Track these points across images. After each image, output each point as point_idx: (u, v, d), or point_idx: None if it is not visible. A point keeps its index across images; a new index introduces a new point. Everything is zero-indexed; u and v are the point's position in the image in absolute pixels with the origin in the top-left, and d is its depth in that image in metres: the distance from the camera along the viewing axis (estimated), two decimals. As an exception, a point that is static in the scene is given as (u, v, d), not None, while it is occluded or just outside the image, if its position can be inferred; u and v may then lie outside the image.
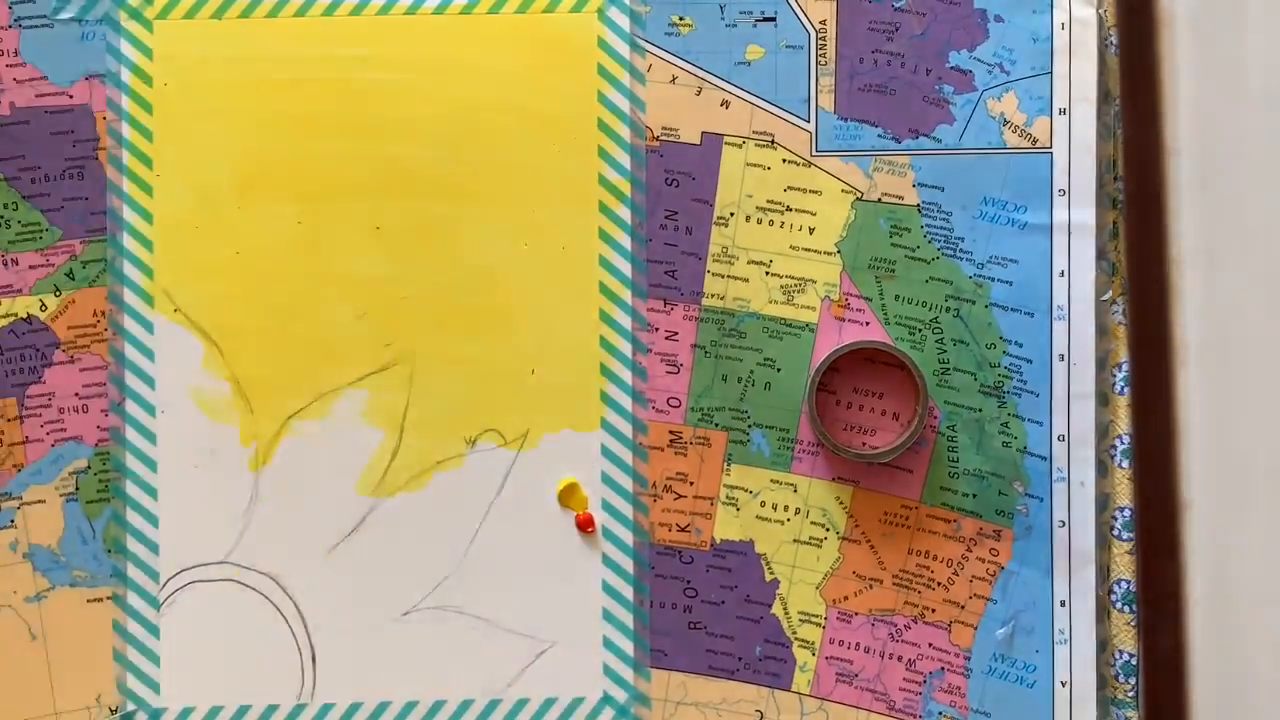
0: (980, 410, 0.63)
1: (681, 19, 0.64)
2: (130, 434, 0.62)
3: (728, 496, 0.63)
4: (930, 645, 0.63)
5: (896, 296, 0.63)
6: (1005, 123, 0.63)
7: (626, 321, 0.63)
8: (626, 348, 0.63)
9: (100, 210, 0.62)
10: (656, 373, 0.63)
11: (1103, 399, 0.63)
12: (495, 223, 0.63)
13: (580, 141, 0.63)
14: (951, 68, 0.63)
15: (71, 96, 0.62)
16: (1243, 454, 0.58)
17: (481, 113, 0.63)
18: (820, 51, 0.63)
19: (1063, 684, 0.62)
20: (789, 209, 0.63)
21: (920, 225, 0.63)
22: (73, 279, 0.62)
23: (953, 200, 0.63)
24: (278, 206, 0.63)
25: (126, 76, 0.63)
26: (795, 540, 0.63)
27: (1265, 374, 0.58)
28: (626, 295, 0.63)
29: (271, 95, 0.63)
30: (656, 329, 0.63)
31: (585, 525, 0.62)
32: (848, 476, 0.63)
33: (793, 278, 0.63)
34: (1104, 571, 0.63)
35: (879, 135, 0.63)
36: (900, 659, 0.63)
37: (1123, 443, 0.63)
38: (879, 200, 0.63)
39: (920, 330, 0.63)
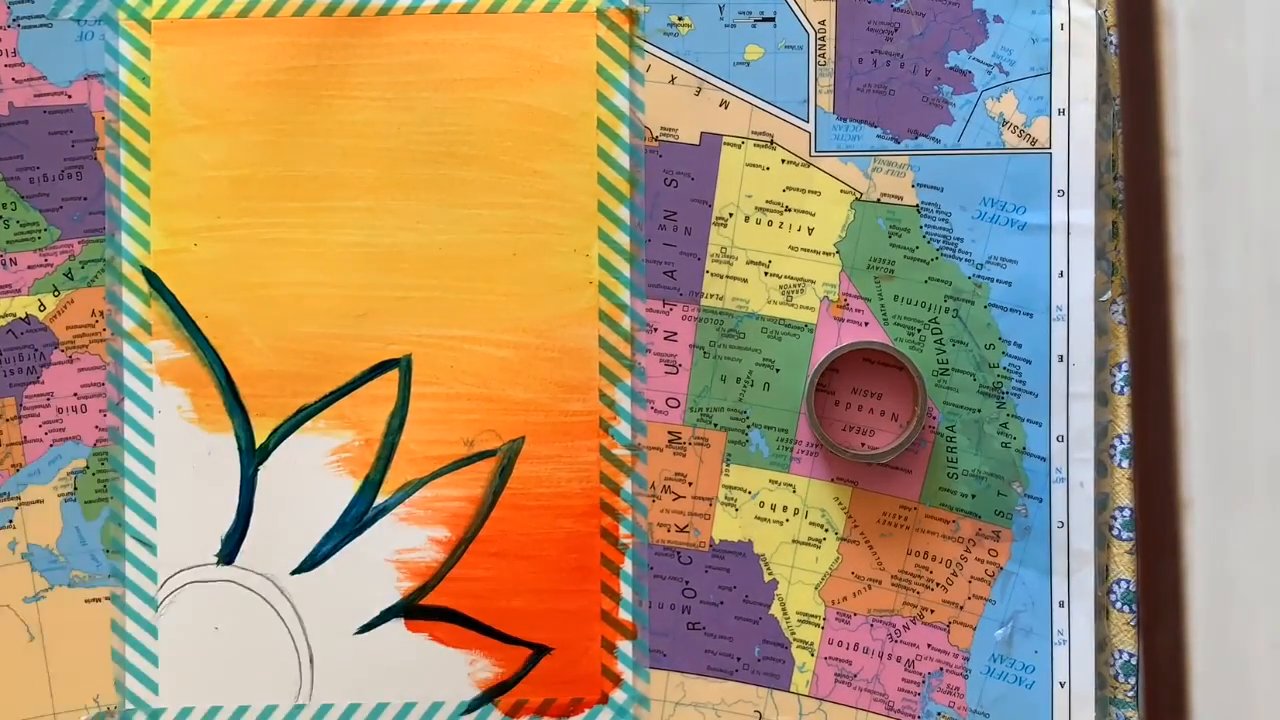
0: (979, 411, 0.63)
1: (680, 19, 0.63)
2: (128, 434, 0.62)
3: (726, 497, 0.63)
4: (929, 646, 0.63)
5: (895, 297, 0.63)
6: (1004, 123, 0.63)
7: (625, 322, 0.63)
8: (625, 348, 0.63)
9: (98, 210, 0.63)
10: (655, 373, 0.63)
11: (1102, 399, 0.63)
12: (494, 223, 0.63)
13: (579, 142, 0.63)
14: (951, 68, 0.63)
15: (70, 96, 0.62)
16: (1243, 454, 0.58)
17: (480, 113, 0.63)
18: (819, 52, 0.63)
19: (1061, 684, 0.62)
20: (788, 209, 0.63)
21: (919, 225, 0.63)
22: (71, 279, 0.62)
23: (952, 201, 0.63)
24: (276, 206, 0.63)
25: (124, 76, 0.63)
26: (794, 541, 0.63)
27: (1266, 373, 0.58)
28: (625, 295, 0.63)
29: (269, 95, 0.63)
30: (655, 329, 0.63)
31: None
32: (846, 477, 0.63)
33: (792, 278, 0.63)
34: (1103, 571, 0.63)
35: (878, 135, 0.63)
36: (899, 659, 0.63)
37: (1122, 443, 0.63)
38: (878, 200, 0.63)
39: (919, 331, 0.63)
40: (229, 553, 0.62)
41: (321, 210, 0.63)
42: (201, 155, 0.63)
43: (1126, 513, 0.62)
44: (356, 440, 0.63)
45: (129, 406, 0.62)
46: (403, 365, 0.63)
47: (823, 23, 0.63)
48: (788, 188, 0.63)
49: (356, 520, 0.63)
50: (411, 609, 0.62)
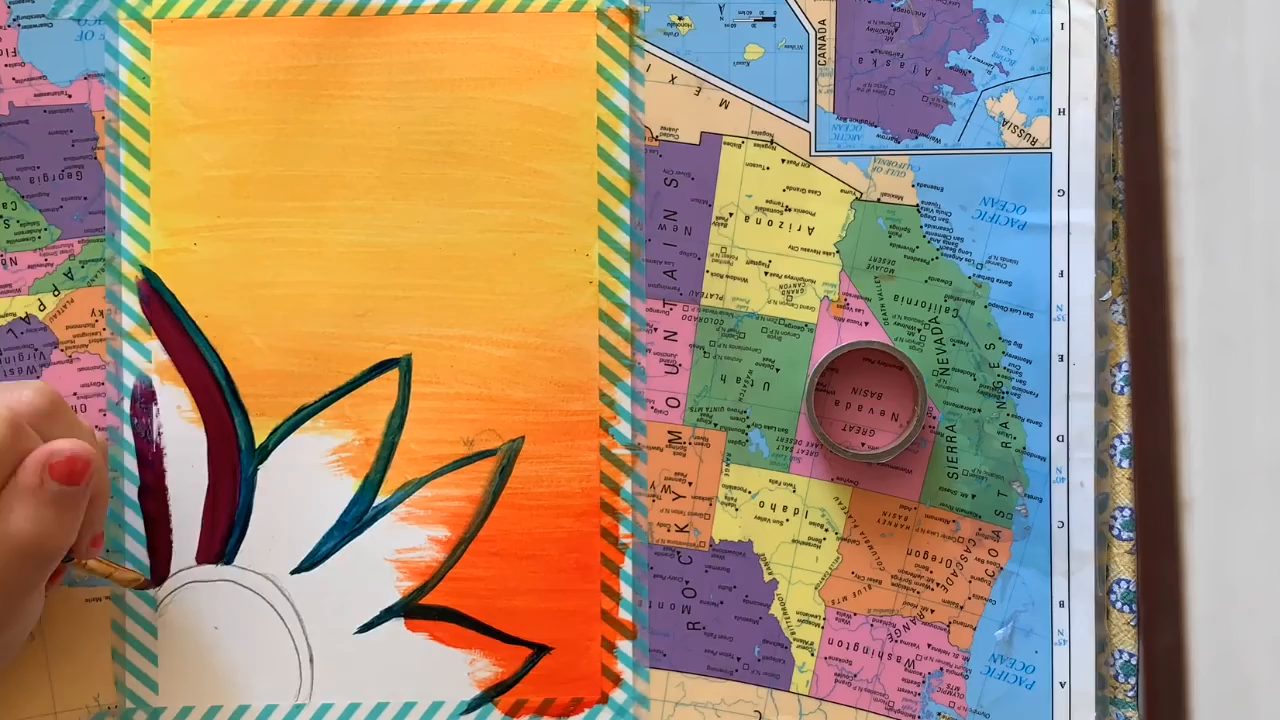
0: (979, 411, 0.63)
1: (680, 19, 0.63)
2: (128, 434, 0.62)
3: (726, 497, 0.63)
4: (929, 646, 0.63)
5: (895, 296, 0.63)
6: (1004, 123, 0.63)
7: (625, 321, 0.63)
8: (625, 348, 0.63)
9: (99, 210, 0.63)
10: (655, 373, 0.63)
11: (1102, 399, 0.63)
12: (494, 223, 0.63)
13: (579, 141, 0.63)
14: (951, 68, 0.63)
15: (70, 96, 0.63)
16: (1243, 454, 0.58)
17: (480, 112, 0.63)
18: (819, 51, 0.63)
19: (1061, 684, 0.62)
20: (788, 209, 0.63)
21: (919, 225, 0.63)
22: (71, 279, 0.62)
23: (952, 200, 0.63)
24: (276, 206, 0.63)
25: (124, 76, 0.63)
26: (794, 540, 0.63)
27: (1266, 373, 0.58)
28: (625, 295, 0.63)
29: (269, 95, 0.63)
30: (655, 329, 0.63)
31: None
32: (847, 477, 0.63)
33: (792, 278, 0.63)
34: (1103, 571, 0.63)
35: (878, 135, 0.63)
36: (899, 659, 0.63)
37: (1123, 443, 0.63)
38: (878, 200, 0.63)
39: (919, 330, 0.63)
40: (229, 552, 0.62)
41: (321, 210, 0.63)
42: (201, 155, 0.63)
43: (1126, 513, 0.62)
44: (356, 440, 0.63)
45: (129, 406, 0.62)
46: (403, 365, 0.63)
47: (823, 22, 0.63)
48: (788, 187, 0.63)
49: (356, 520, 0.63)
50: (411, 609, 0.62)
